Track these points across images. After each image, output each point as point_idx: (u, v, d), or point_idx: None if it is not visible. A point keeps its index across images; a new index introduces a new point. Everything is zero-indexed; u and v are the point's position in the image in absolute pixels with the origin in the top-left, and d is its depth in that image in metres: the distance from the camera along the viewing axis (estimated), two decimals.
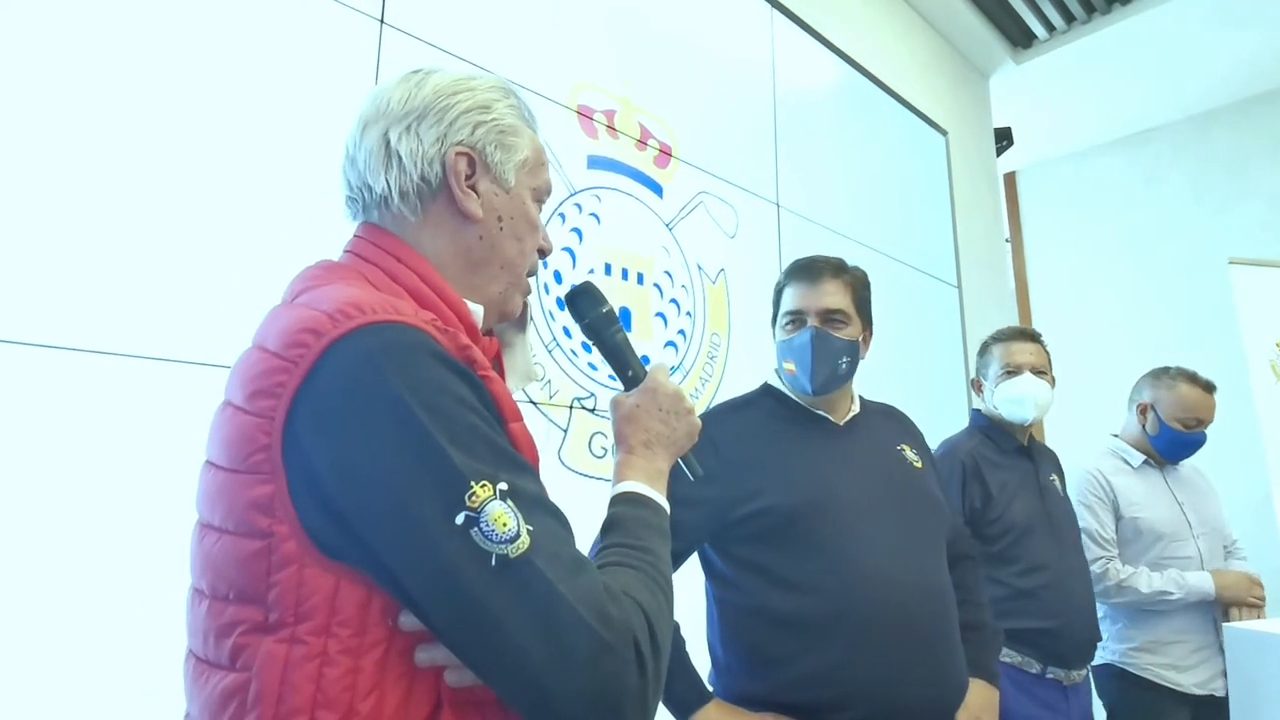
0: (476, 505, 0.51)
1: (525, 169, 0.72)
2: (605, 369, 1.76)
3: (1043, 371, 1.81)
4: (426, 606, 0.52)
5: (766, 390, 1.33)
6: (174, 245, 1.17)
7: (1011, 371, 1.81)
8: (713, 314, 2.09)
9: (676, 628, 1.14)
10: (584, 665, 0.50)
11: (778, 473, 1.17)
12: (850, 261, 1.31)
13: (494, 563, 0.50)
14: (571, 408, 1.69)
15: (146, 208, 1.15)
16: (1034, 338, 1.87)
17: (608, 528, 0.66)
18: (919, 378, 2.85)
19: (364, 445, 0.52)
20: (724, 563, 1.18)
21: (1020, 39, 3.81)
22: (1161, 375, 2.09)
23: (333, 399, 0.53)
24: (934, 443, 2.75)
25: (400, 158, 0.67)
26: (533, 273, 0.76)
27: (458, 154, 0.68)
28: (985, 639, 1.28)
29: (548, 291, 1.69)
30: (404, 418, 0.52)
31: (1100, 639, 1.77)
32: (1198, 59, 3.82)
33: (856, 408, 1.31)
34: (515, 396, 0.79)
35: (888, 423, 1.36)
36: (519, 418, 0.63)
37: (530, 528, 0.52)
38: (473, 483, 0.51)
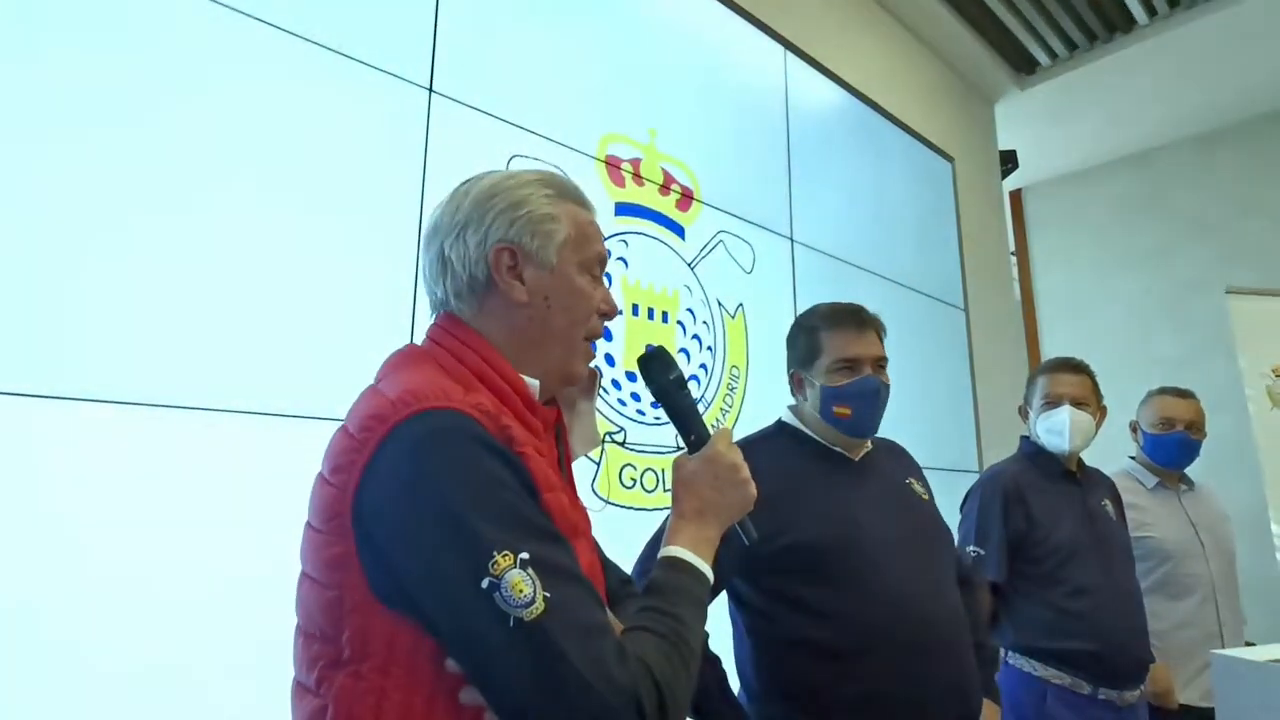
0: (498, 573, 0.59)
1: (568, 246, 0.80)
2: (634, 405, 1.88)
3: (1084, 403, 1.84)
4: (458, 655, 0.62)
5: (781, 427, 1.39)
6: (236, 305, 1.29)
7: (1051, 402, 1.85)
8: (732, 347, 2.20)
9: (718, 661, 1.21)
10: None
11: (804, 509, 1.23)
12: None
13: (511, 624, 0.58)
14: (604, 442, 1.81)
15: (196, 268, 1.27)
16: (1078, 369, 1.90)
17: (648, 590, 0.73)
18: (927, 399, 2.96)
19: (410, 516, 0.62)
20: (756, 595, 1.24)
21: (1024, 65, 3.92)
22: (1145, 396, 2.24)
23: (387, 476, 0.63)
24: (946, 461, 2.86)
25: (452, 264, 0.78)
26: (594, 336, 0.83)
27: (498, 251, 0.77)
28: (986, 658, 1.36)
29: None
30: (441, 494, 0.61)
31: (1153, 661, 1.78)
32: (1199, 82, 3.92)
33: (869, 444, 1.37)
34: (578, 459, 0.89)
35: (893, 458, 1.43)
36: (554, 489, 0.69)
37: (547, 594, 0.59)
38: (495, 553, 0.59)
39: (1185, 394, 2.19)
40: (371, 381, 0.78)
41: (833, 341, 1.31)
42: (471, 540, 0.60)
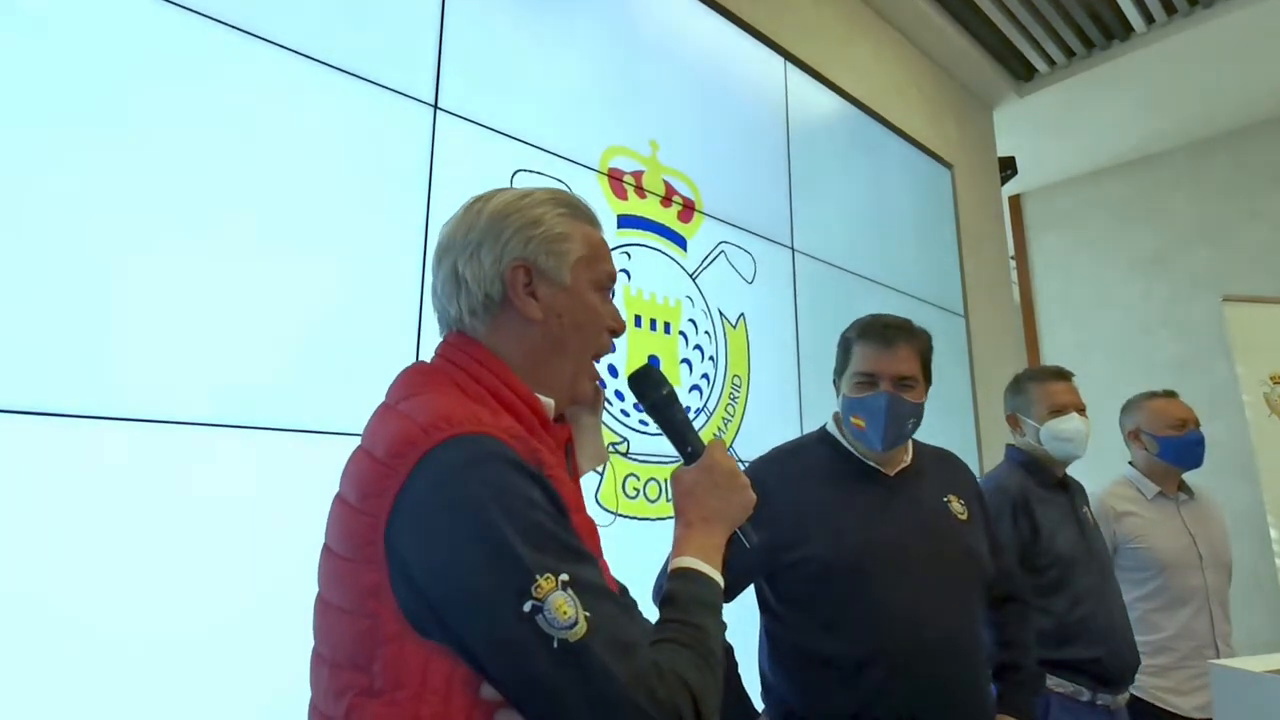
0: (541, 596, 0.59)
1: (581, 265, 0.80)
2: (636, 416, 1.89)
3: (1082, 410, 1.87)
4: (502, 681, 0.61)
5: (822, 437, 1.42)
6: (240, 322, 1.31)
7: (1058, 410, 1.86)
8: (733, 357, 2.21)
9: (730, 650, 1.26)
10: None
11: (823, 523, 1.26)
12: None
13: (556, 646, 0.59)
14: (608, 452, 1.82)
15: (208, 285, 1.29)
16: (1069, 376, 1.93)
17: (665, 602, 0.74)
18: (929, 406, 2.96)
19: (450, 544, 0.61)
20: (774, 599, 1.30)
21: (1023, 73, 3.94)
22: (1130, 404, 2.25)
23: (425, 504, 0.62)
24: None
25: (467, 282, 0.77)
26: (604, 353, 0.83)
27: (514, 268, 0.77)
28: (1021, 680, 1.37)
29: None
30: (483, 520, 0.61)
31: (1140, 663, 1.81)
32: (1197, 88, 3.94)
33: (909, 458, 1.39)
34: (586, 475, 0.90)
35: (939, 471, 1.43)
36: (582, 509, 0.71)
37: (588, 614, 0.60)
38: (538, 576, 0.60)
39: (1175, 393, 2.22)
40: (383, 399, 0.78)
41: (859, 354, 1.35)
42: (514, 565, 0.60)
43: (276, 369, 1.32)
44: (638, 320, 1.96)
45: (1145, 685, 1.98)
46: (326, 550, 0.71)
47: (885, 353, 1.32)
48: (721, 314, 2.21)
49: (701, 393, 2.10)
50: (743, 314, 2.28)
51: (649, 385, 0.89)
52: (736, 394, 2.20)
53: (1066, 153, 4.61)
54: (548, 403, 0.78)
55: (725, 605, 1.39)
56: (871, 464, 1.35)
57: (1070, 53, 3.78)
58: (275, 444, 1.28)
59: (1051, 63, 3.85)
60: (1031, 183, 4.96)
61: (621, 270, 1.95)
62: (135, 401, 1.16)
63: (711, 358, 2.14)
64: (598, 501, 1.78)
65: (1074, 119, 4.25)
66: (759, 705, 1.32)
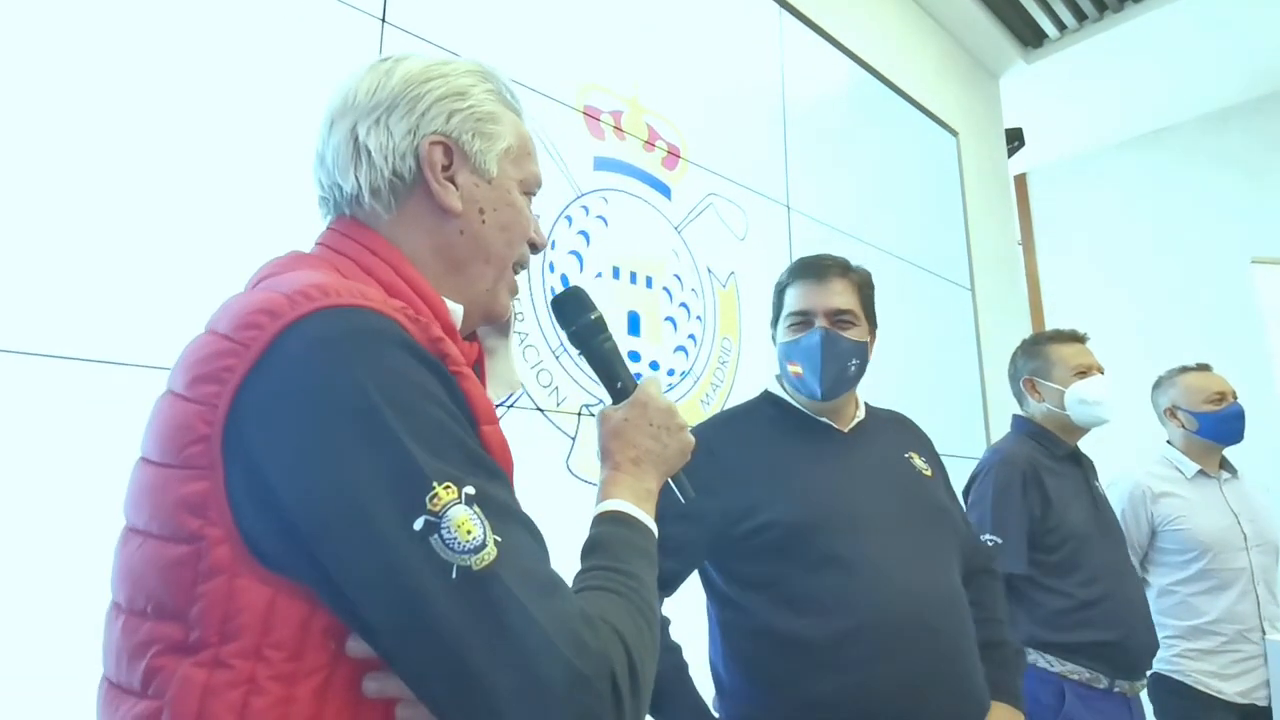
0: (438, 509, 0.46)
1: (509, 158, 0.68)
2: None
3: (1103, 371, 1.78)
4: (375, 624, 0.47)
5: (766, 398, 1.28)
6: (167, 247, 1.14)
7: (1081, 372, 1.74)
8: (723, 318, 2.04)
9: (678, 650, 1.09)
10: (556, 700, 0.45)
11: (780, 485, 1.11)
12: (863, 264, 1.27)
13: (455, 575, 0.45)
14: (580, 414, 1.65)
15: (142, 209, 1.12)
16: (1085, 338, 1.84)
17: (589, 549, 0.61)
18: (933, 382, 2.80)
19: (317, 437, 0.47)
20: (725, 581, 1.12)
21: (1031, 38, 3.76)
22: (1162, 381, 2.16)
23: (285, 386, 0.48)
24: (953, 447, 2.71)
25: (369, 152, 0.63)
26: (522, 268, 0.72)
27: (432, 144, 0.63)
28: (1006, 657, 1.21)
29: (554, 295, 1.65)
30: (363, 409, 0.47)
31: (1158, 646, 1.70)
32: (1212, 56, 3.76)
33: (862, 414, 1.25)
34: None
35: (895, 430, 1.31)
36: (494, 421, 0.57)
37: (498, 538, 0.47)
38: (435, 484, 0.47)
39: (1207, 366, 2.13)
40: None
41: (789, 295, 1.23)
42: (403, 467, 0.47)
43: (203, 298, 1.14)
44: (615, 271, 1.79)
45: (1186, 669, 1.88)
46: (139, 463, 0.53)
47: (818, 287, 1.19)
48: (710, 272, 2.04)
49: (688, 354, 1.92)
50: (733, 273, 2.10)
51: (573, 309, 0.77)
52: (726, 358, 2.03)
53: (1075, 125, 4.43)
54: (455, 309, 0.64)
55: (665, 599, 1.21)
56: (824, 420, 1.21)
57: (1082, 15, 3.60)
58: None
59: (1062, 26, 3.67)
60: (1038, 158, 4.77)
61: (598, 216, 1.77)
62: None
63: (699, 317, 1.97)
64: (569, 469, 1.61)
65: (1084, 90, 4.06)
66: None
